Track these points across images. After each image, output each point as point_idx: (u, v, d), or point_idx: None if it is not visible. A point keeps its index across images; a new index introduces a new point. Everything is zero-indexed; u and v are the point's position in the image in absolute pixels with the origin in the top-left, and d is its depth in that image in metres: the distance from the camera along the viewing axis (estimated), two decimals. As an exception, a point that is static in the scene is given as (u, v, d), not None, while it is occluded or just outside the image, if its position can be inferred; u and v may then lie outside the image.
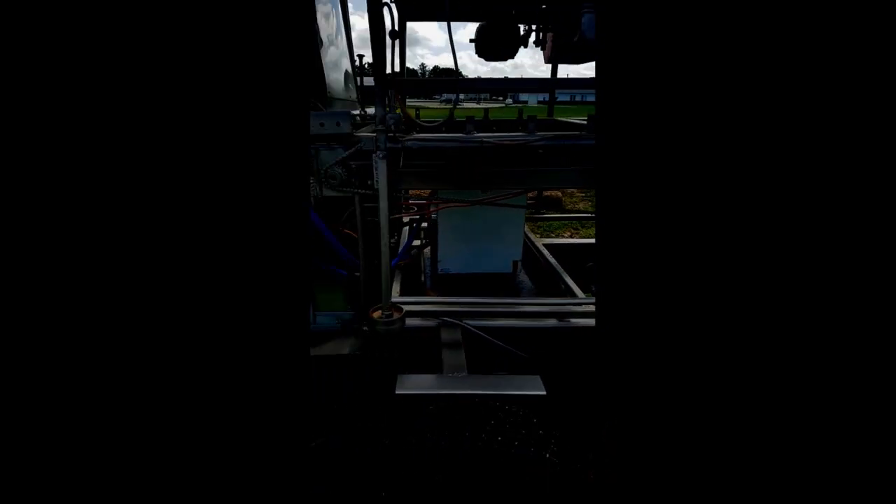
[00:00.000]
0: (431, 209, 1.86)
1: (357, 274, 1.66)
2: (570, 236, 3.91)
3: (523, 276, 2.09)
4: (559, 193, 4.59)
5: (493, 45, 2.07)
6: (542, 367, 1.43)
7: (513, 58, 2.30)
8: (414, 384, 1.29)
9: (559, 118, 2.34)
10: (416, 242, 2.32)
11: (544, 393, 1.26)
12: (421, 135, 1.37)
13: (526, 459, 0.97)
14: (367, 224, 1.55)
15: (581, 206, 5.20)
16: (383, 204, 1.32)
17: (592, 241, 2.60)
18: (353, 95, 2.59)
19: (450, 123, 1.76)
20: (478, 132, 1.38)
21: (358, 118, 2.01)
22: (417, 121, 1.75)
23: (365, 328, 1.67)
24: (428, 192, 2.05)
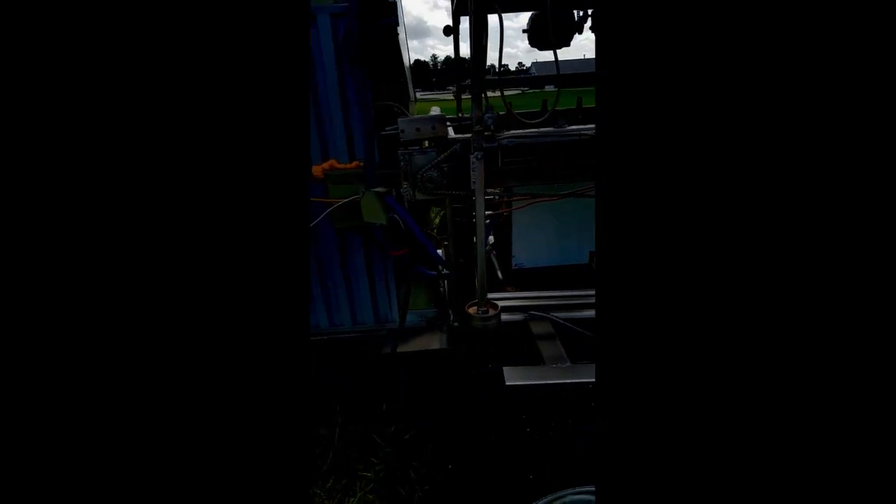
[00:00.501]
0: (507, 208, 1.90)
1: (445, 272, 1.72)
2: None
3: (597, 267, 2.10)
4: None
5: (547, 34, 2.08)
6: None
7: (568, 45, 2.29)
8: (522, 375, 1.33)
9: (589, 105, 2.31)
10: (491, 239, 2.36)
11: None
12: (515, 131, 1.41)
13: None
14: (456, 225, 1.60)
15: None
16: (480, 204, 1.36)
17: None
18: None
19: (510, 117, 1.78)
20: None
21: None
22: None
23: (455, 324, 1.73)
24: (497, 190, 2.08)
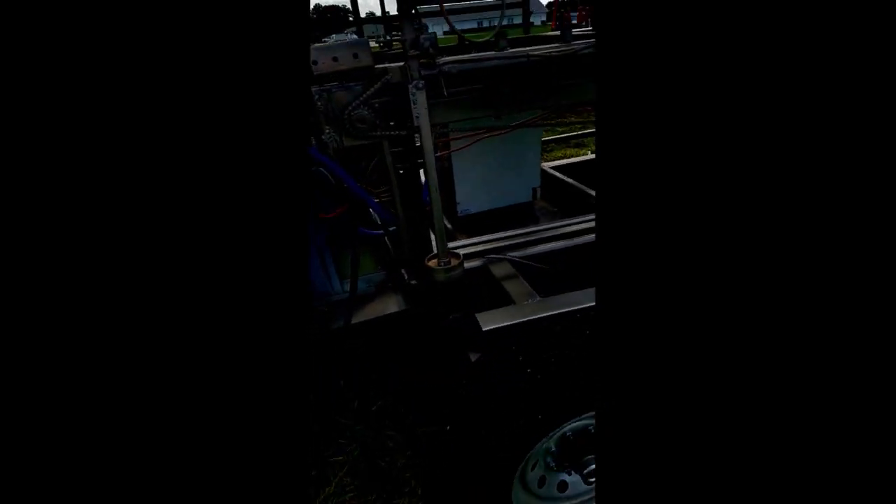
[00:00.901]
0: (445, 150, 1.76)
1: (392, 228, 1.56)
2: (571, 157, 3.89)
3: (542, 203, 2.09)
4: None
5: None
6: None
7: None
8: (497, 318, 1.27)
9: (536, 34, 2.25)
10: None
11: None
12: (458, 56, 1.24)
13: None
14: (398, 172, 1.43)
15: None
16: (427, 142, 1.21)
17: (591, 157, 2.63)
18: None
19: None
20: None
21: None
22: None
23: (413, 282, 1.60)
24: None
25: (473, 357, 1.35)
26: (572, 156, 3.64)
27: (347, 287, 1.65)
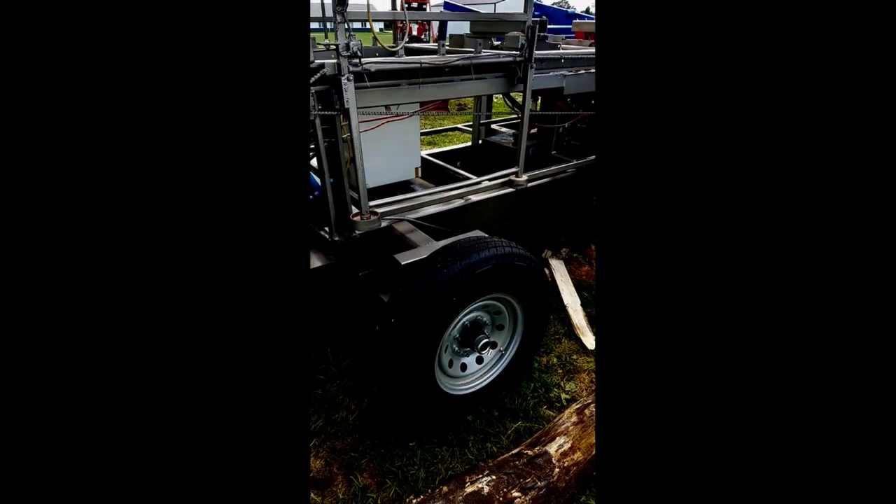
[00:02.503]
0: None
1: (317, 193, 1.88)
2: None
3: (421, 181, 2.62)
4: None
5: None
6: (467, 230, 2.07)
7: None
8: (410, 256, 1.75)
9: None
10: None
11: (487, 236, 1.93)
12: (377, 58, 1.66)
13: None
14: (327, 145, 1.77)
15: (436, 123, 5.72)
16: (355, 121, 1.61)
17: (456, 147, 3.28)
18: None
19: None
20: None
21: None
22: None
23: (336, 238, 1.94)
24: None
25: (385, 298, 1.79)
26: (438, 147, 4.35)
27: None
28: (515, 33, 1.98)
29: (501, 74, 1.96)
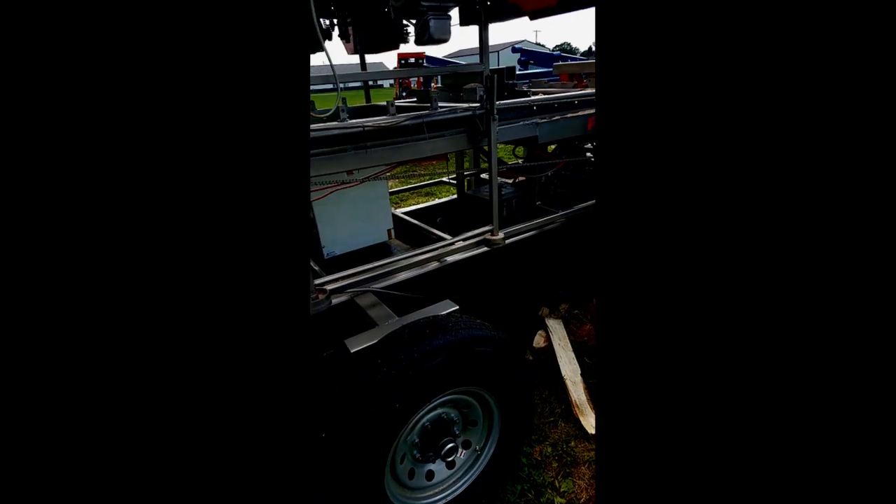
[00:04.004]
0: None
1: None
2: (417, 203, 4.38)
3: (396, 242, 2.42)
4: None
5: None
6: (444, 296, 1.82)
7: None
8: (362, 340, 1.50)
9: (374, 103, 2.66)
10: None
11: (457, 307, 1.67)
12: (312, 125, 1.50)
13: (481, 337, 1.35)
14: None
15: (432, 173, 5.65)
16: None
17: (439, 201, 3.10)
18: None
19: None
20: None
21: None
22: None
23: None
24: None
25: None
26: (423, 202, 4.20)
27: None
28: (472, 85, 1.82)
29: (461, 130, 1.78)
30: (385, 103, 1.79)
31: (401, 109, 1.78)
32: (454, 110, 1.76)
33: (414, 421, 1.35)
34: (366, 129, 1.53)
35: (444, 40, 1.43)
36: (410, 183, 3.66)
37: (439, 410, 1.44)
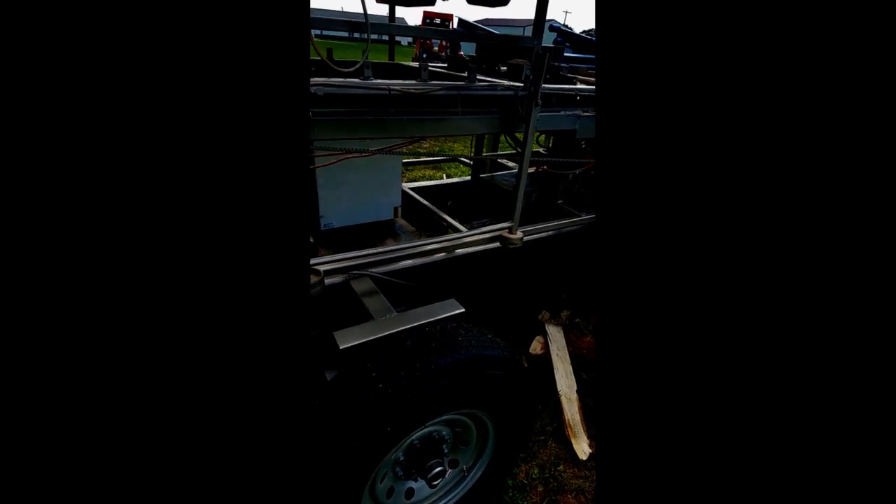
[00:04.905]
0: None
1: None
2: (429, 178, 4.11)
3: (402, 221, 2.20)
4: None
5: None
6: (449, 293, 1.64)
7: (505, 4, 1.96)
8: (354, 336, 1.31)
9: (399, 61, 2.38)
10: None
11: (463, 310, 1.49)
12: (323, 79, 1.25)
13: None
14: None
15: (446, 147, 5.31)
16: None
17: (451, 181, 2.87)
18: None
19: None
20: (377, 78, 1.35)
21: None
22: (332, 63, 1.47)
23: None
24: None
25: (329, 376, 1.36)
26: (430, 177, 3.93)
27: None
28: (519, 61, 1.56)
29: (496, 111, 1.54)
30: (416, 64, 1.52)
31: (433, 75, 1.53)
32: (494, 86, 1.52)
33: (399, 445, 1.19)
34: (392, 91, 1.28)
35: (505, 2, 1.18)
36: (421, 154, 3.40)
37: (431, 428, 1.28)
